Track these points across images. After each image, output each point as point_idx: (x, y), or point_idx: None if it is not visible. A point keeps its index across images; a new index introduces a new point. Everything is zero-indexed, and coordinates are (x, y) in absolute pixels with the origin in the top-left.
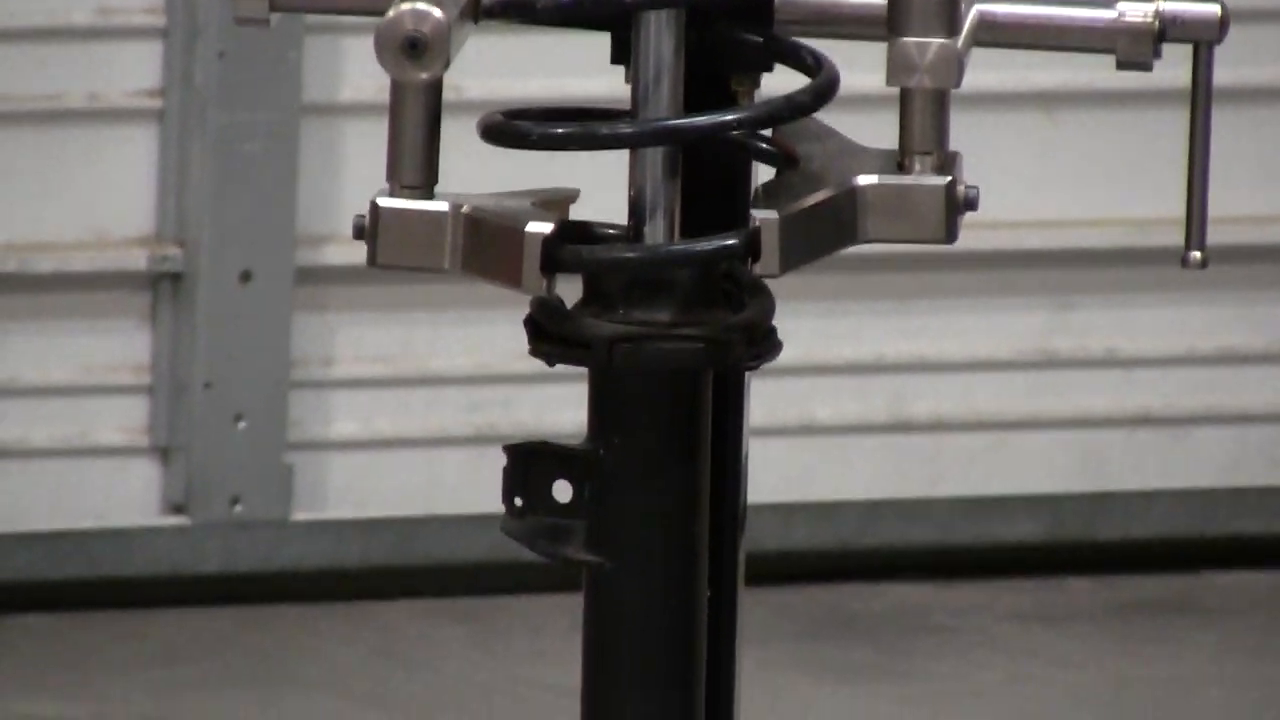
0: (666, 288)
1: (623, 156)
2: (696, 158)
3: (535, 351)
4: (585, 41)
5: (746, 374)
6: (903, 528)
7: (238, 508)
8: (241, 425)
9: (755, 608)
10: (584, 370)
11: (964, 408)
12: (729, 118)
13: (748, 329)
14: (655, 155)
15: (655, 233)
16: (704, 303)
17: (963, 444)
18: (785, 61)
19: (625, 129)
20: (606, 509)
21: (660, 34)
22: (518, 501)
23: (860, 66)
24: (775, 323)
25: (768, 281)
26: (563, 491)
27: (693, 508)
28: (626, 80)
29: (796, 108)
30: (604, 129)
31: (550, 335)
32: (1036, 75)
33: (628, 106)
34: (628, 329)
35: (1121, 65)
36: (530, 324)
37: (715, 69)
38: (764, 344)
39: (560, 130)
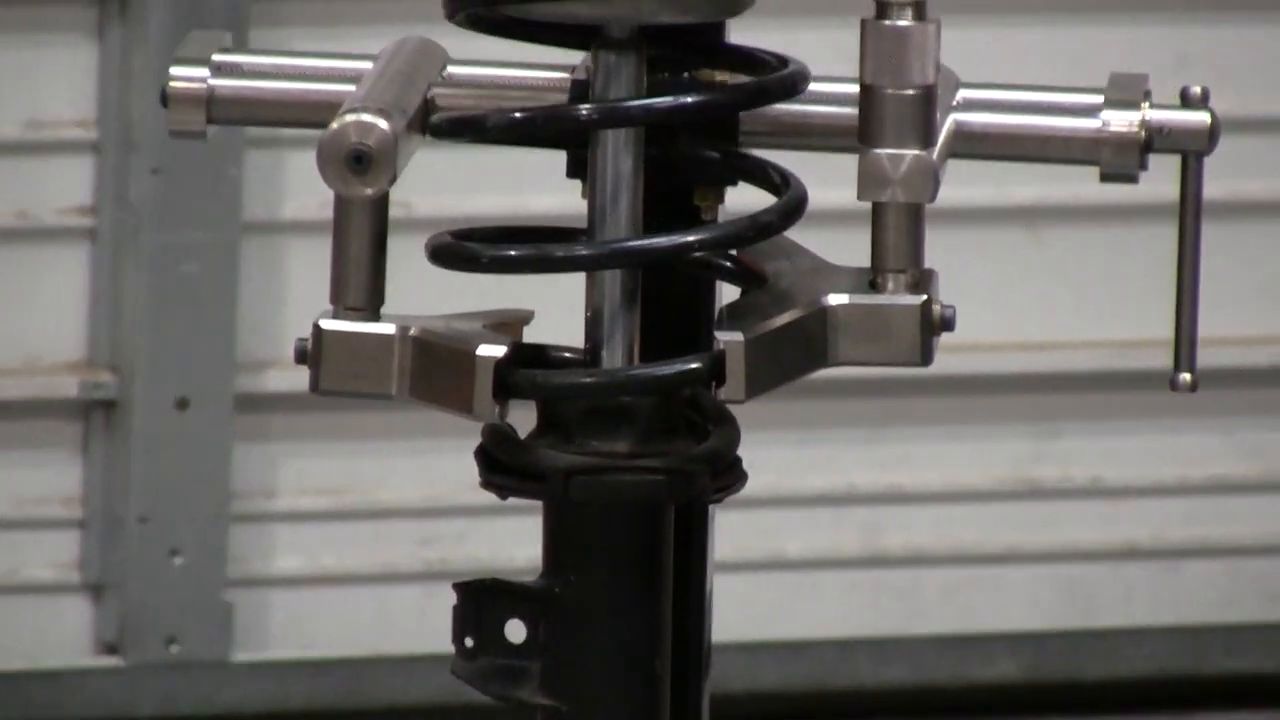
0: (626, 416)
1: (580, 275)
2: (657, 276)
3: (487, 484)
4: (540, 155)
5: (711, 506)
6: (877, 667)
7: (175, 648)
8: (178, 560)
9: None
10: (539, 504)
11: (942, 540)
12: (690, 239)
13: (712, 459)
14: (614, 275)
15: (614, 356)
16: (665, 431)
17: (941, 578)
18: (750, 180)
19: (581, 251)
20: (563, 650)
21: (618, 151)
22: (469, 642)
23: (831, 180)
24: (741, 452)
25: (733, 408)
26: (517, 631)
27: (655, 648)
28: (583, 195)
29: (762, 228)
30: (559, 251)
31: (503, 466)
32: (1016, 188)
33: (584, 224)
34: (585, 460)
35: (1106, 177)
36: (482, 454)
37: (677, 183)
38: (729, 475)
39: (513, 252)
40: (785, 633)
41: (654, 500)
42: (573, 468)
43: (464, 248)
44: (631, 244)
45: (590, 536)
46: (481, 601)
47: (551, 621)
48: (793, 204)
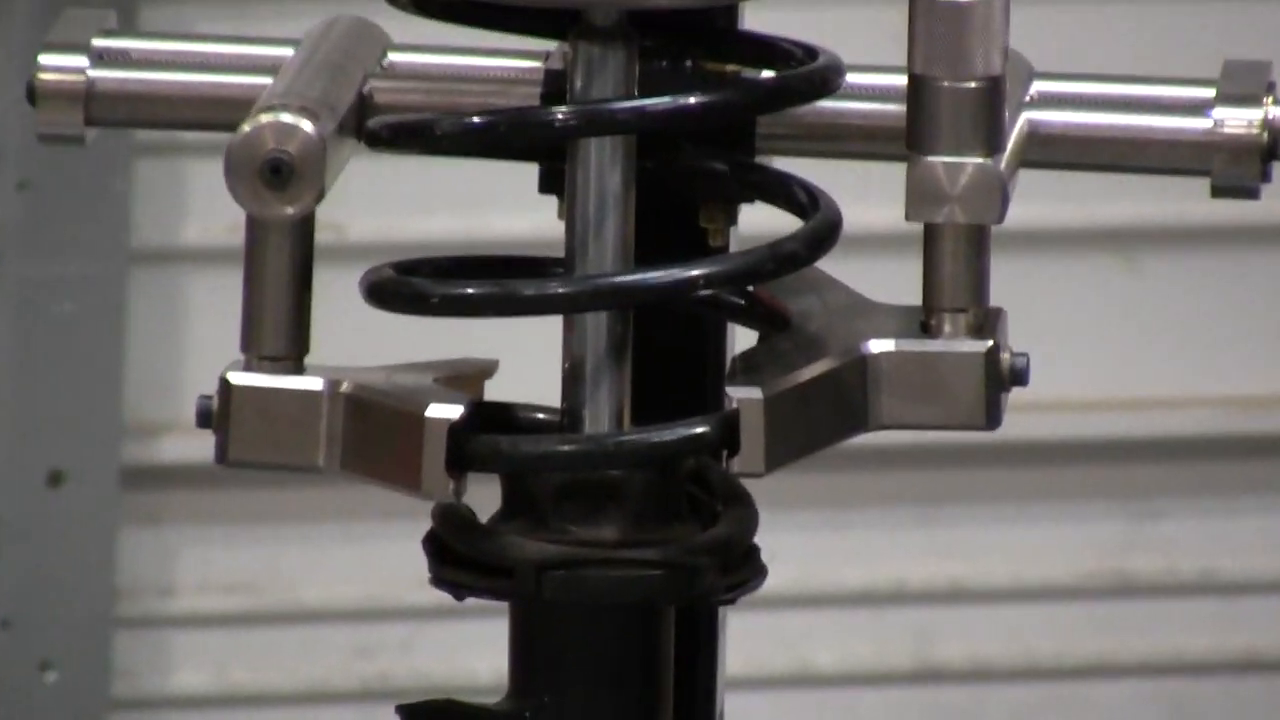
0: (613, 494)
1: (556, 317)
2: (653, 318)
3: (439, 581)
4: (506, 165)
5: (721, 609)
6: None
7: None
8: (51, 676)
9: None
10: (505, 605)
11: (1011, 649)
12: (694, 274)
13: (722, 548)
14: (598, 317)
15: (598, 419)
16: (663, 514)
17: (1010, 698)
18: (770, 199)
19: (557, 289)
20: None
21: (604, 163)
22: None
23: (872, 196)
24: (759, 539)
25: (749, 483)
26: None
27: None
28: (560, 216)
29: (785, 260)
30: (528, 289)
31: (459, 558)
32: (1106, 206)
33: (560, 252)
34: (561, 550)
35: (1218, 192)
36: (433, 543)
37: (678, 201)
38: (743, 569)
39: (470, 290)
40: None
41: (649, 601)
42: (546, 560)
43: (409, 284)
44: (620, 280)
45: (569, 646)
46: None
47: None
48: (823, 229)
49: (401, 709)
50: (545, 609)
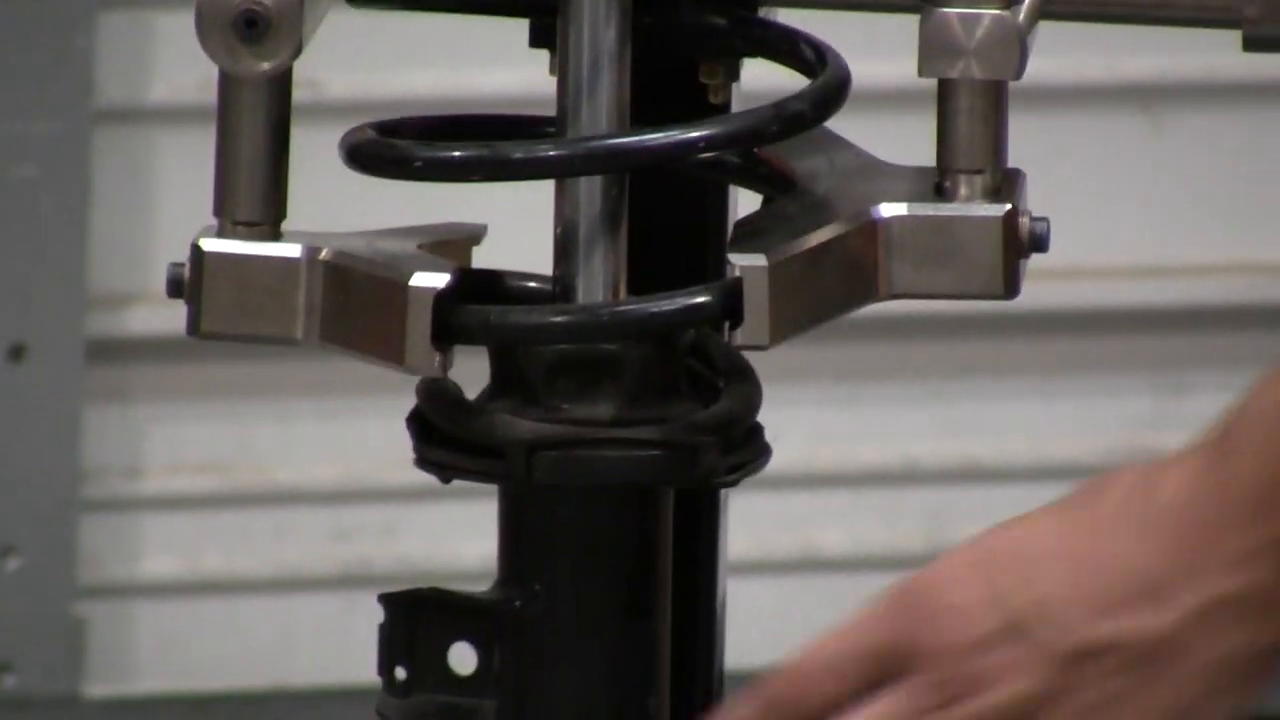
0: (609, 369)
1: (547, 182)
2: (651, 181)
3: (424, 461)
4: (492, 19)
5: (723, 491)
6: None
7: (9, 678)
8: (13, 563)
9: None
10: (493, 488)
11: None
12: (694, 135)
13: (724, 427)
14: (592, 181)
15: (592, 288)
16: (661, 391)
17: None
18: (774, 55)
19: (548, 152)
20: (525, 683)
21: (599, 18)
22: (400, 673)
23: (882, 50)
24: (763, 417)
25: (753, 357)
26: (464, 659)
27: (648, 679)
28: (551, 72)
29: (790, 120)
30: (518, 152)
31: (445, 438)
32: (1130, 59)
33: (552, 109)
34: (554, 429)
35: (1250, 44)
36: (417, 422)
37: (677, 54)
38: (747, 448)
39: (457, 154)
40: None
41: (646, 482)
42: (538, 440)
43: (391, 147)
44: (615, 142)
45: (562, 531)
46: (417, 619)
47: (510, 645)
48: (831, 88)
49: (385, 598)
50: (536, 492)
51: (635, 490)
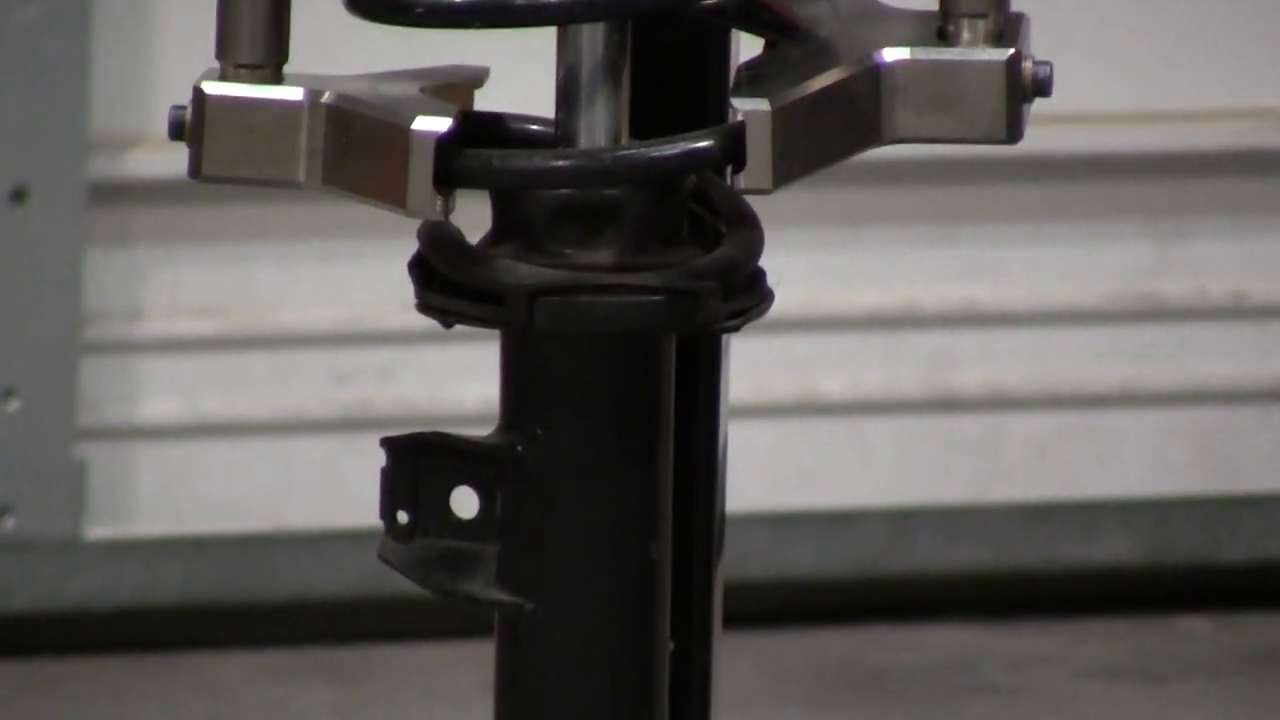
0: (610, 214)
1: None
2: (651, 25)
3: (425, 306)
4: None
5: (725, 336)
6: (945, 547)
7: (9, 521)
8: (13, 405)
9: (738, 661)
10: (495, 333)
11: (1031, 376)
12: None
13: (725, 272)
14: (594, 26)
15: (594, 132)
16: (664, 235)
17: (1029, 428)
18: None
19: None
20: (527, 528)
21: None
22: (403, 517)
23: None
24: (764, 262)
25: (755, 202)
26: (466, 503)
27: (648, 524)
28: None
29: None
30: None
31: (447, 283)
32: None
33: None
34: (556, 275)
35: None
36: (419, 266)
37: None
38: (748, 294)
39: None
40: (823, 501)
41: (648, 328)
42: (540, 285)
43: None
44: None
45: (563, 377)
46: (419, 463)
47: (512, 490)
48: None
49: (387, 442)
50: (539, 338)
51: (637, 337)
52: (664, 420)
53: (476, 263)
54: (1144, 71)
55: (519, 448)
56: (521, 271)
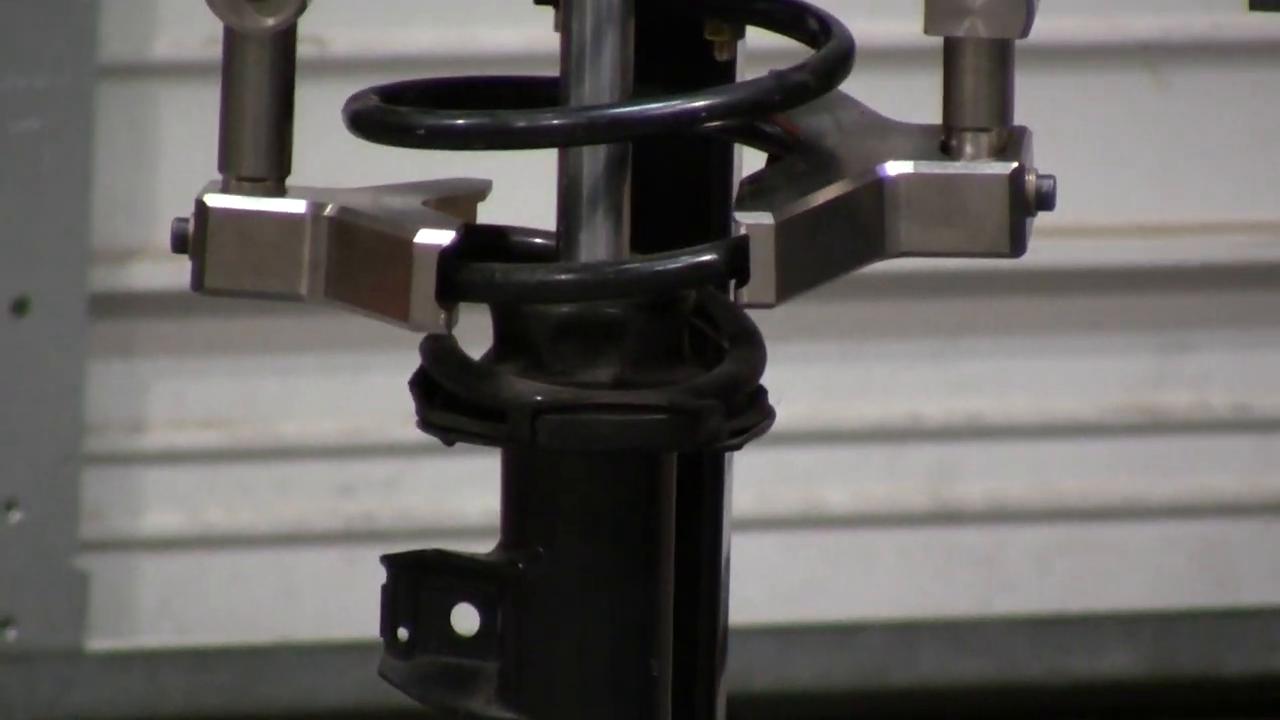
0: (612, 331)
1: None
2: (654, 139)
3: (427, 424)
4: None
5: (727, 453)
6: (949, 658)
7: (11, 632)
8: (15, 516)
9: None
10: (497, 450)
11: (1034, 489)
12: (696, 106)
13: (728, 390)
14: None
15: (596, 247)
16: (666, 352)
17: (1032, 541)
18: (779, 27)
19: (551, 121)
20: (528, 645)
21: None
22: (403, 633)
23: (886, 7)
24: (766, 379)
25: (757, 317)
26: (467, 619)
27: (650, 641)
28: (556, 28)
29: (793, 91)
30: (520, 121)
31: (449, 399)
32: (1134, 19)
33: (555, 67)
34: (558, 392)
35: (1255, 3)
36: (421, 382)
37: (681, 13)
38: (751, 411)
39: (460, 123)
40: (827, 613)
41: (650, 446)
42: (542, 403)
43: (395, 114)
44: (617, 112)
45: (565, 494)
46: (420, 579)
47: (513, 607)
48: (834, 59)
49: (388, 559)
50: (541, 455)
51: (639, 455)
52: (665, 537)
53: (479, 379)
54: (1146, 185)
55: (520, 565)
56: (523, 388)
